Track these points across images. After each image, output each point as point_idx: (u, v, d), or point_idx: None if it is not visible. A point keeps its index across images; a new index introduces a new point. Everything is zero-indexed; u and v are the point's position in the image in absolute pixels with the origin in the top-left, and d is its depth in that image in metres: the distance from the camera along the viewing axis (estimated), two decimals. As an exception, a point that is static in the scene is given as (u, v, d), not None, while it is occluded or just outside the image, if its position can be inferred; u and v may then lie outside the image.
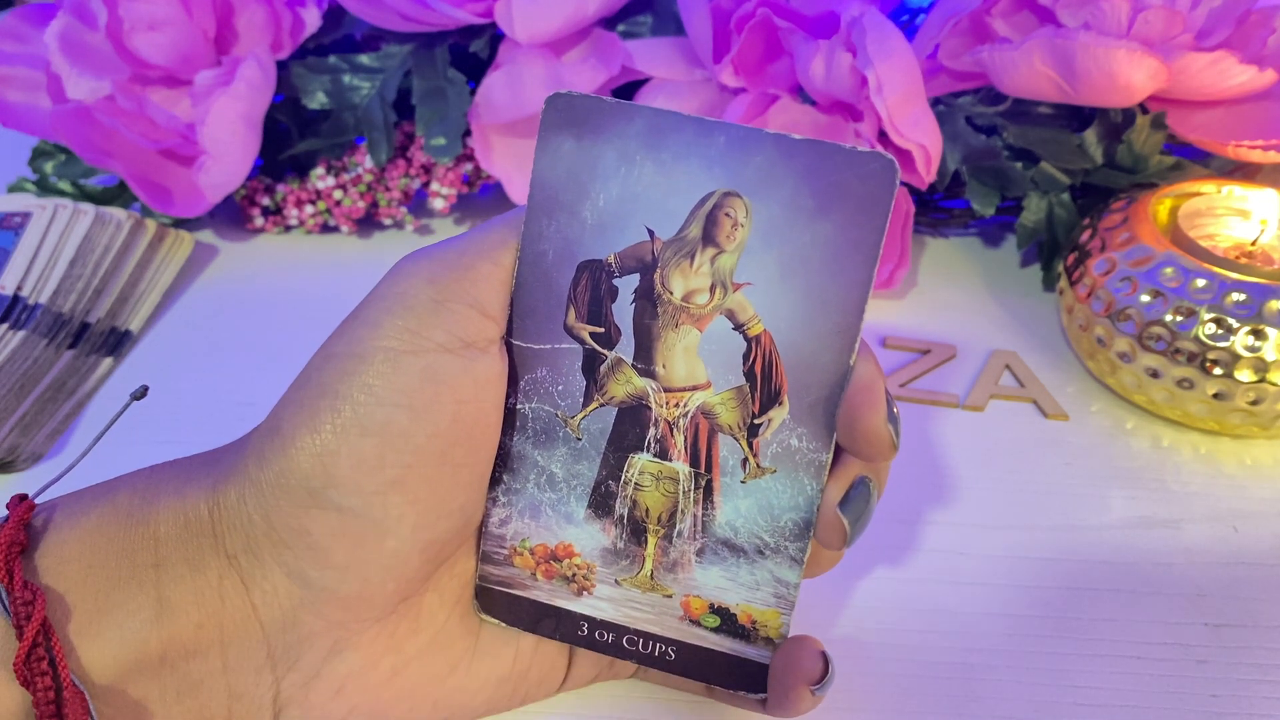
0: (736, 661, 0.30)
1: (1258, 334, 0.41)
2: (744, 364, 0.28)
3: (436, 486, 0.27)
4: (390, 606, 0.28)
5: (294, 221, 0.57)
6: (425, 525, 0.27)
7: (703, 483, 0.29)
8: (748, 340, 0.28)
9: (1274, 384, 0.41)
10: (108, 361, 0.47)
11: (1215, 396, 0.42)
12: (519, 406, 0.29)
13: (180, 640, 0.26)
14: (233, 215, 0.58)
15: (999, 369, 0.48)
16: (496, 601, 0.31)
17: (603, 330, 0.28)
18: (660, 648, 0.30)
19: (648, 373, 0.28)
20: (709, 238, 0.27)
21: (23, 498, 0.28)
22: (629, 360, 0.28)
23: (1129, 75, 0.46)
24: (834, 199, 0.26)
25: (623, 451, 0.29)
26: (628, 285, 0.28)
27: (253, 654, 0.27)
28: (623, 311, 0.28)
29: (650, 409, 0.29)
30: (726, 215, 0.27)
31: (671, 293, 0.28)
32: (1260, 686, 0.34)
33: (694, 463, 0.29)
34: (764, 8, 0.48)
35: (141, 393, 0.31)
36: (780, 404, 0.28)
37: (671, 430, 0.29)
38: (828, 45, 0.47)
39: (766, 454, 0.28)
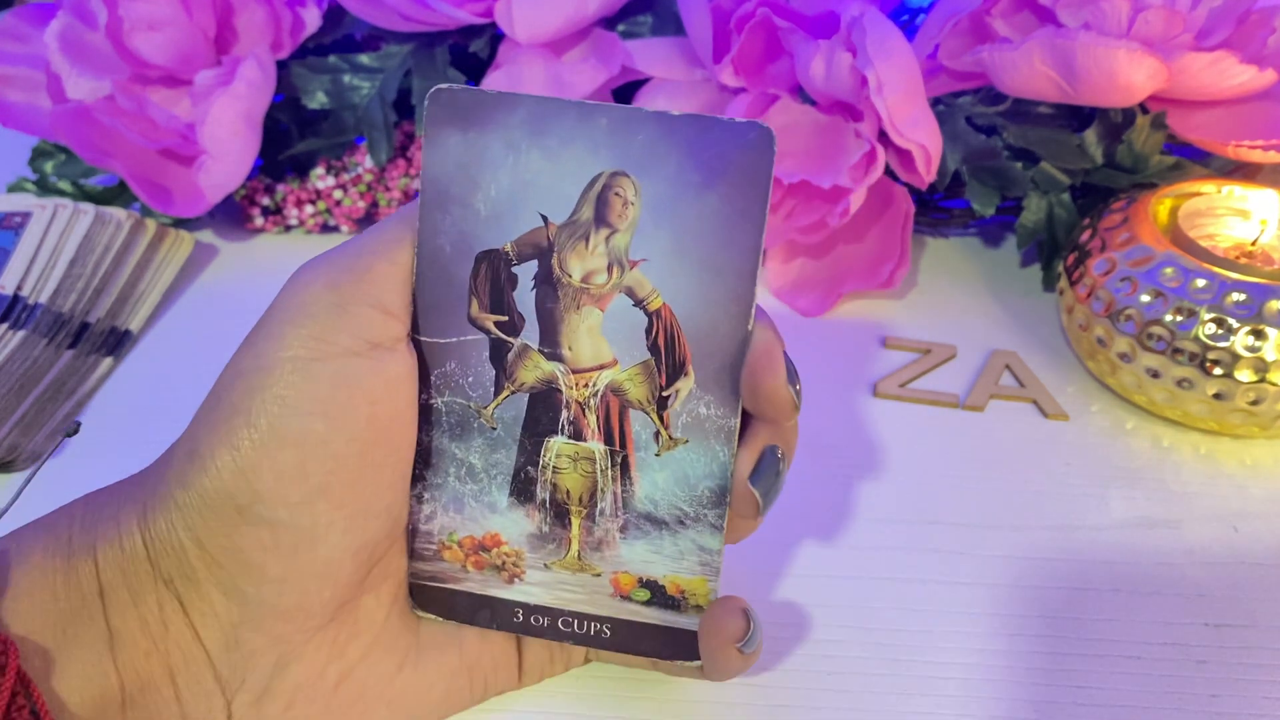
0: (670, 632, 0.30)
1: (1258, 334, 0.41)
2: (647, 339, 0.28)
3: (361, 489, 0.27)
4: (329, 614, 0.28)
5: (294, 221, 0.57)
6: (354, 529, 0.27)
7: (619, 459, 0.29)
8: (649, 315, 0.28)
9: (1274, 384, 0.41)
10: (108, 361, 0.47)
11: (1215, 396, 0.42)
12: (432, 402, 0.29)
13: (134, 669, 0.27)
14: (233, 215, 0.58)
15: (999, 369, 0.48)
16: (431, 597, 0.31)
17: (506, 318, 0.29)
18: (595, 626, 0.30)
19: (555, 356, 0.29)
20: (601, 218, 0.28)
21: None
22: (535, 346, 0.29)
23: (1129, 75, 0.46)
24: (717, 171, 0.27)
25: (538, 436, 0.29)
26: (527, 272, 0.28)
27: (200, 678, 0.27)
28: (524, 298, 0.29)
29: (561, 391, 0.29)
30: (616, 195, 0.27)
31: (570, 275, 0.28)
32: (1260, 686, 0.34)
33: (608, 440, 0.29)
34: (764, 8, 0.48)
35: (74, 429, 0.33)
36: (686, 374, 0.28)
37: (583, 411, 0.29)
38: (828, 45, 0.47)
39: (677, 425, 0.29)
